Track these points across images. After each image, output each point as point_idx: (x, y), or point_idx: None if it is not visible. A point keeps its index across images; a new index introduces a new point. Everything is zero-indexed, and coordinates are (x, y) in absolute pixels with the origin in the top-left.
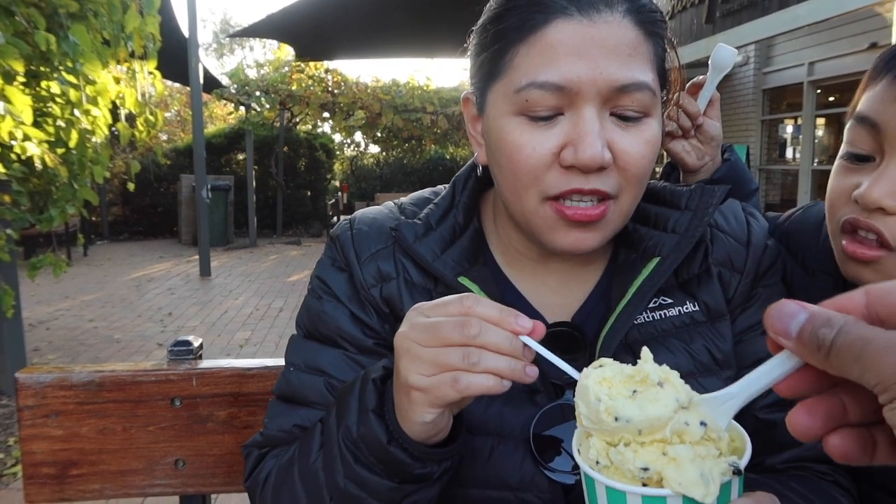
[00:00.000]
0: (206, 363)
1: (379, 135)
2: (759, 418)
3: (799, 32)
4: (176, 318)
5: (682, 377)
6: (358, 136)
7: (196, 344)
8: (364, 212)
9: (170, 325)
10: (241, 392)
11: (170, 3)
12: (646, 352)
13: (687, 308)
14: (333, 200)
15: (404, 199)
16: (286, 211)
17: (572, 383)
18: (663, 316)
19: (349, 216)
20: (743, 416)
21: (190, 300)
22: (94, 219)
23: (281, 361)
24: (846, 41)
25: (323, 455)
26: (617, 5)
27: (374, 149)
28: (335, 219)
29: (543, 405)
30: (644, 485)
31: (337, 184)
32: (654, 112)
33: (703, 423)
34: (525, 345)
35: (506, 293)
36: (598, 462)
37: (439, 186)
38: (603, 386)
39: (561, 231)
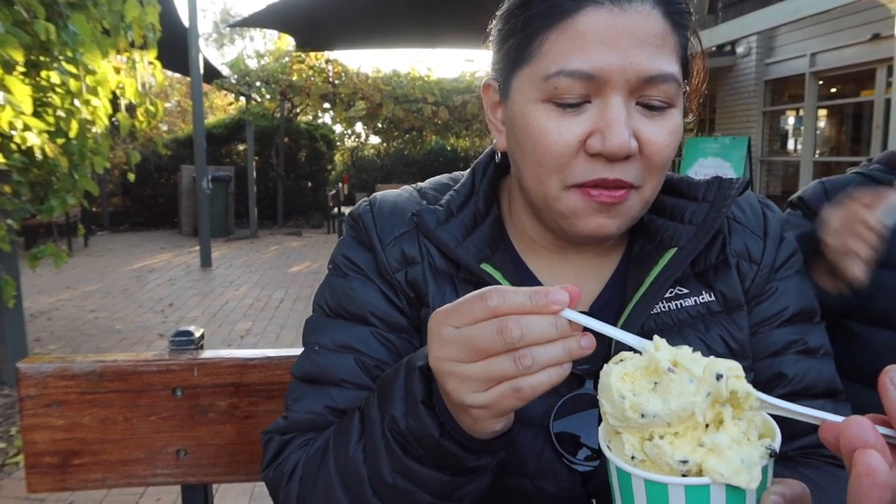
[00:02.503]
0: (207, 353)
1: (380, 125)
2: (797, 448)
3: (801, 23)
4: (177, 308)
5: None
6: (358, 126)
7: (197, 334)
8: (384, 194)
9: (171, 316)
10: (243, 382)
11: None
12: (657, 339)
13: (703, 298)
14: (334, 191)
15: (423, 183)
16: (287, 202)
17: (593, 373)
18: (679, 306)
19: (368, 197)
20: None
21: (191, 291)
22: (94, 209)
23: (282, 352)
24: (848, 32)
25: (364, 446)
26: None
27: (374, 140)
28: (336, 210)
29: (564, 394)
30: (684, 475)
31: (337, 175)
32: (677, 103)
33: (719, 376)
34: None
35: (525, 281)
36: (633, 457)
37: (457, 173)
38: (626, 382)
39: (584, 216)
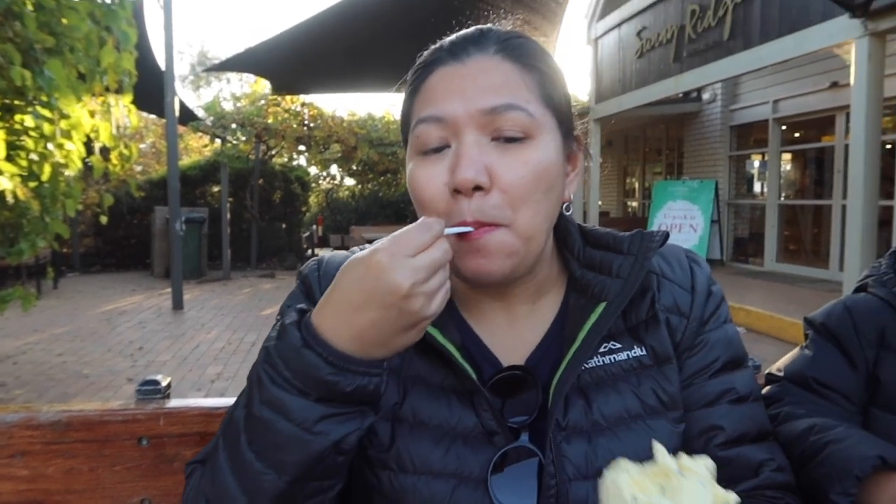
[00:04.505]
0: (173, 402)
1: (354, 168)
2: (716, 456)
3: (763, 71)
4: (147, 352)
5: (630, 419)
6: (334, 168)
7: (164, 383)
8: (332, 255)
9: (140, 360)
10: (209, 431)
11: (147, 36)
12: (657, 446)
13: (635, 353)
14: (308, 233)
15: (369, 246)
16: (261, 243)
17: (527, 426)
18: (613, 360)
19: (317, 256)
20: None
21: (161, 334)
22: (65, 251)
23: None
24: (808, 80)
25: (245, 404)
26: (488, 47)
27: (349, 181)
28: (310, 252)
29: (501, 446)
30: None
31: (312, 216)
32: (537, 135)
33: None
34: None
35: (465, 336)
36: None
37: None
38: (634, 487)
39: (464, 258)
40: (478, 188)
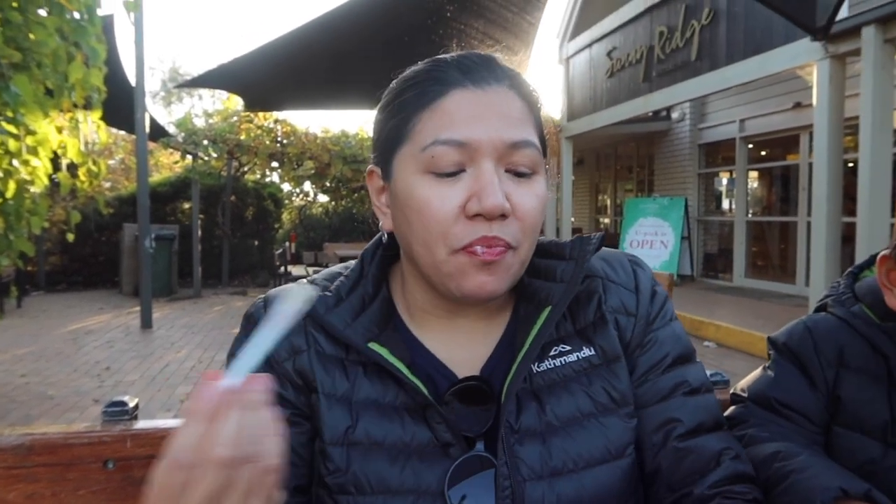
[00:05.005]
0: (141, 423)
1: (328, 185)
2: (677, 447)
3: (730, 92)
4: (114, 372)
5: (583, 417)
6: (307, 185)
7: (132, 404)
8: (279, 290)
9: (107, 380)
10: None
11: (117, 51)
12: None
13: (584, 353)
14: (281, 250)
15: (317, 275)
16: (232, 261)
17: (482, 434)
18: (563, 362)
19: (264, 295)
20: (662, 449)
21: (129, 353)
22: (29, 269)
23: None
24: (773, 100)
25: None
26: (503, 80)
27: (323, 198)
28: (282, 269)
29: (457, 457)
30: None
31: (285, 233)
32: (540, 171)
33: None
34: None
35: (415, 353)
36: None
37: (349, 262)
38: None
39: (469, 275)
40: (501, 215)
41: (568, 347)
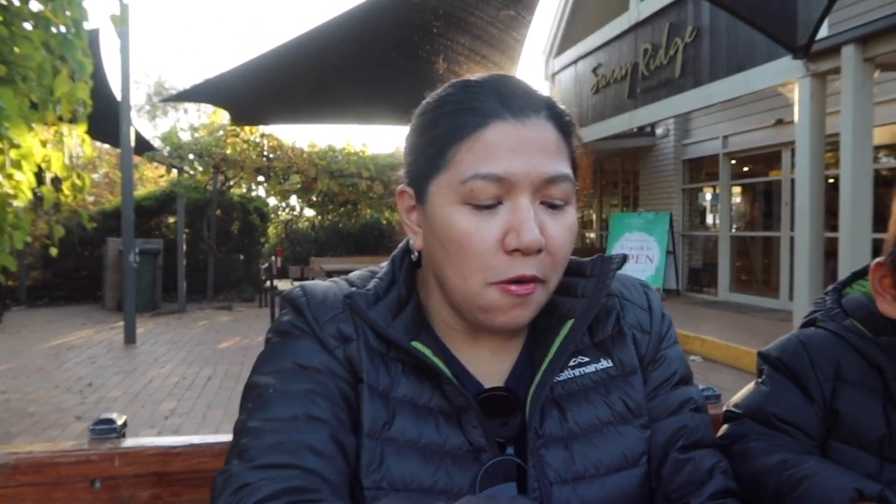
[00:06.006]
0: (129, 441)
1: (314, 199)
2: (678, 458)
3: (713, 108)
4: (97, 388)
5: (602, 425)
6: (293, 199)
7: (119, 422)
8: (314, 283)
9: (90, 397)
10: (166, 471)
11: (102, 65)
12: None
13: (602, 365)
14: (267, 264)
15: (352, 274)
16: (218, 275)
17: (513, 440)
18: (582, 373)
19: (299, 283)
20: (664, 461)
21: (112, 369)
22: (10, 283)
23: (208, 438)
24: (755, 117)
25: None
26: (542, 111)
27: (309, 213)
28: (268, 283)
29: (486, 461)
30: None
31: (271, 247)
32: (573, 201)
33: None
34: None
35: (449, 360)
36: None
37: (382, 264)
38: None
39: (504, 310)
40: (538, 250)
41: (587, 359)
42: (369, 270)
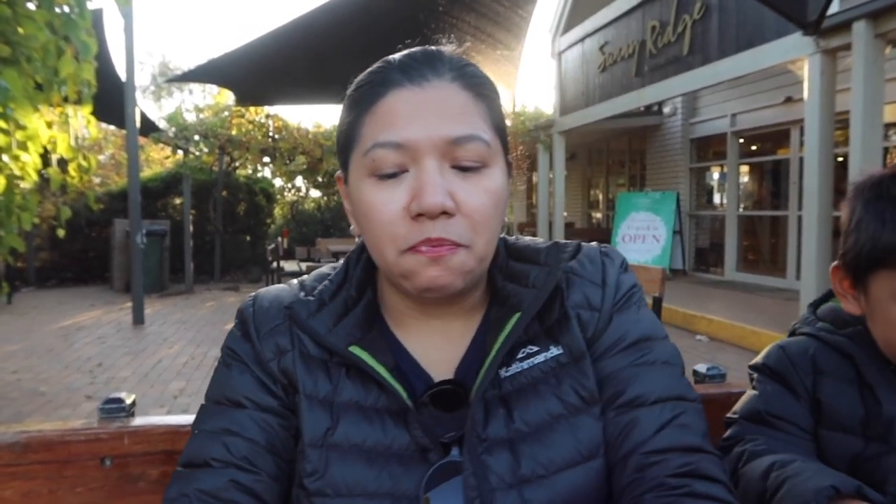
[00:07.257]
0: (138, 420)
1: (320, 180)
2: (614, 420)
3: (721, 86)
4: (106, 368)
5: (553, 420)
6: (299, 180)
7: (129, 401)
8: (268, 290)
9: (100, 377)
10: (175, 449)
11: (107, 46)
12: None
13: (552, 353)
14: (273, 245)
15: (307, 276)
16: (224, 256)
17: (457, 440)
18: (531, 364)
19: (255, 293)
20: (629, 458)
21: (122, 349)
22: (19, 265)
23: None
24: (764, 95)
25: None
26: (445, 73)
27: (315, 193)
28: (275, 264)
29: (434, 461)
30: None
31: (277, 228)
32: (492, 163)
33: None
34: None
35: (398, 355)
36: None
37: (339, 262)
38: None
39: (419, 272)
40: (444, 213)
41: (535, 348)
42: (330, 268)
